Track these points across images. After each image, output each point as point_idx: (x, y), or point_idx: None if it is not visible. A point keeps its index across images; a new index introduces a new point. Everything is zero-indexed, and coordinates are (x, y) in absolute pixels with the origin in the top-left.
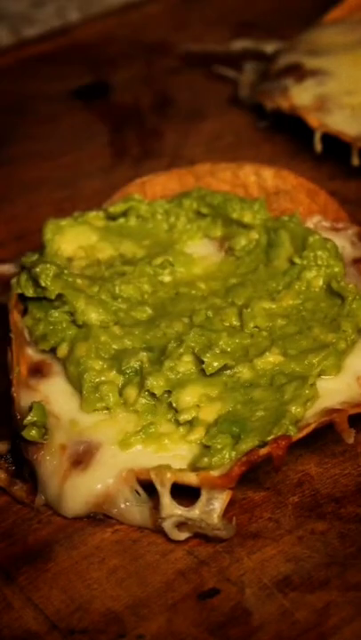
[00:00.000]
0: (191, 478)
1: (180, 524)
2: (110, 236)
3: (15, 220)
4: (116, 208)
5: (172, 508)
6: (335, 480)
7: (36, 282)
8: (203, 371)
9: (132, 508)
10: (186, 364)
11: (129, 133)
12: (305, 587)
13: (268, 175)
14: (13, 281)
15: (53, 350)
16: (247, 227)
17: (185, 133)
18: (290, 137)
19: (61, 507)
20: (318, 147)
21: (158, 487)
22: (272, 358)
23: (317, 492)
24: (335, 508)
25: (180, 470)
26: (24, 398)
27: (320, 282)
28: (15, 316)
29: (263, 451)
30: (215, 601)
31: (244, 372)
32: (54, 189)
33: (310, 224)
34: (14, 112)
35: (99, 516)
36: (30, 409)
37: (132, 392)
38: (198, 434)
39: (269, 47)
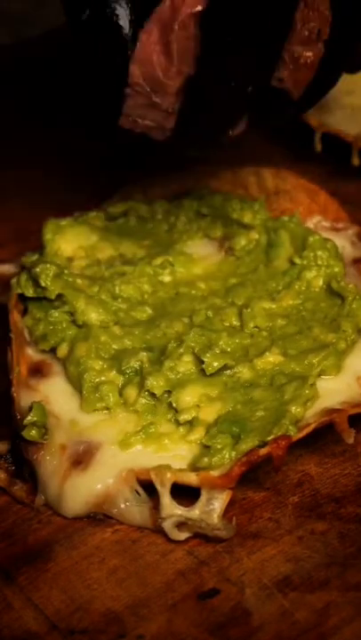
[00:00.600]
0: (191, 478)
1: (180, 524)
2: (110, 236)
3: (15, 220)
4: (116, 208)
5: (172, 508)
6: (335, 480)
7: (36, 282)
8: (203, 371)
9: (132, 508)
10: (186, 364)
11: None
12: (305, 587)
13: (268, 175)
14: (13, 281)
15: (53, 350)
16: (247, 227)
17: None
18: (290, 137)
19: (61, 507)
20: (318, 146)
21: (158, 487)
22: (272, 358)
23: (317, 492)
24: (335, 508)
25: (180, 470)
26: (24, 398)
27: (320, 282)
28: (15, 316)
29: (263, 451)
30: (215, 601)
31: (244, 372)
32: (54, 189)
33: (310, 224)
34: (14, 112)
35: (99, 516)
36: (30, 409)
37: (132, 392)
38: (198, 434)
39: None
